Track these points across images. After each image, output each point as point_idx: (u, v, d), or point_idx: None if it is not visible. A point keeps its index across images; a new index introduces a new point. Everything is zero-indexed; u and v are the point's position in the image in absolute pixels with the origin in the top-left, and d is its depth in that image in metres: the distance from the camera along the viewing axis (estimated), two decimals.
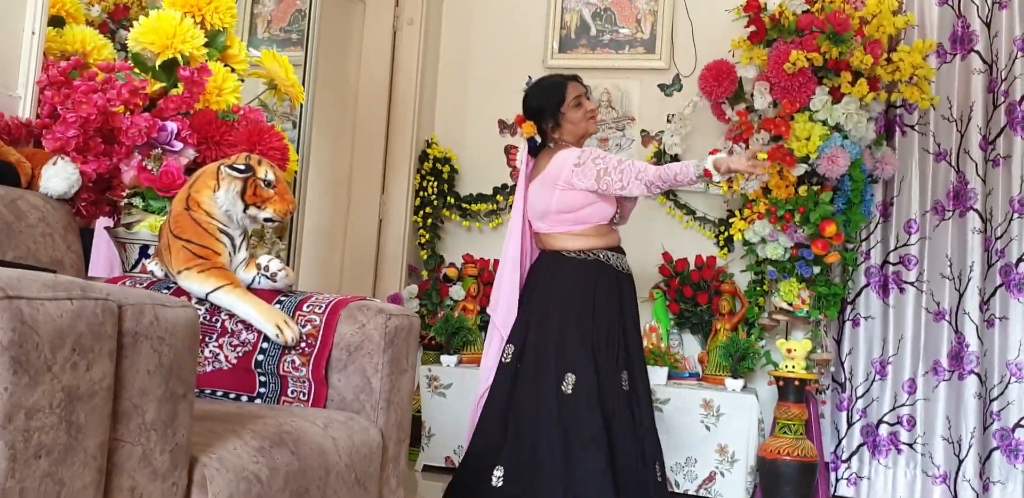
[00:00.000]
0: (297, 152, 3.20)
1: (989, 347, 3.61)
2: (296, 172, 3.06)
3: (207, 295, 1.81)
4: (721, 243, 3.94)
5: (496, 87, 4.28)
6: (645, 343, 3.33)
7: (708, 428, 3.43)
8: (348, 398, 1.74)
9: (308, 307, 1.80)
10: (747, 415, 3.42)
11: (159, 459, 1.12)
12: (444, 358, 3.79)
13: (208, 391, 1.80)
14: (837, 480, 3.67)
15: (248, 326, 1.79)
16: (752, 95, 3.55)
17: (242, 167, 1.88)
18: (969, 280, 3.62)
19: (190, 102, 2.27)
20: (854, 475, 3.66)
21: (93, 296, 1.04)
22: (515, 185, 4.21)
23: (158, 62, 2.36)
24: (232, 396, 1.79)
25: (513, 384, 2.78)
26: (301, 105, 3.31)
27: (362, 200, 4.15)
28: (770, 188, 3.48)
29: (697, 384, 3.62)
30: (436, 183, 4.17)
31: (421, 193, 4.18)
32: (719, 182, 2.96)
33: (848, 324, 3.75)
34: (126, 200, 2.30)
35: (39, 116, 2.17)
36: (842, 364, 3.74)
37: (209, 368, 1.80)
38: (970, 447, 3.51)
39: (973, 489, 3.47)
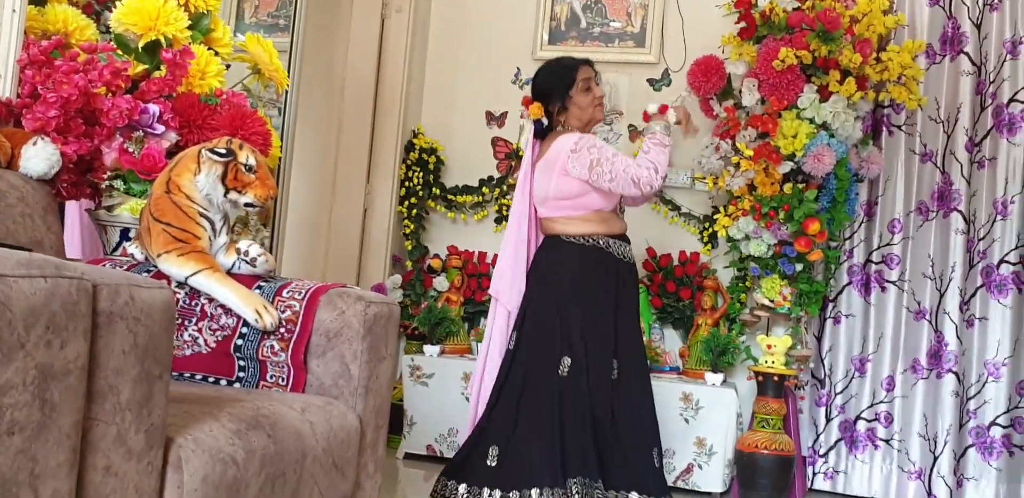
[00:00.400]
0: (281, 139, 3.18)
1: (968, 346, 3.63)
2: (279, 158, 3.04)
3: (186, 279, 1.80)
4: (705, 239, 3.95)
5: (484, 78, 4.27)
6: None
7: (687, 421, 3.44)
8: (327, 384, 1.73)
9: (288, 293, 1.79)
10: (726, 409, 3.43)
11: (134, 439, 1.11)
12: (427, 348, 3.79)
13: (187, 375, 1.79)
14: (814, 474, 3.69)
15: (228, 310, 1.77)
16: (740, 91, 3.55)
17: (223, 151, 1.86)
18: (950, 280, 3.64)
19: (172, 85, 2.25)
20: (831, 469, 3.69)
21: (68, 275, 1.03)
22: (501, 177, 4.22)
23: (141, 44, 2.34)
24: (211, 380, 1.78)
25: (510, 368, 2.81)
26: (286, 92, 3.30)
27: (347, 190, 4.13)
28: (755, 185, 3.48)
29: (677, 378, 3.63)
30: (422, 174, 4.16)
31: (406, 183, 4.16)
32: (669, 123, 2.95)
33: (829, 321, 3.77)
34: (107, 182, 2.28)
35: (19, 96, 2.14)
36: (822, 361, 3.76)
37: (188, 352, 1.79)
38: (945, 444, 3.54)
39: (947, 485, 3.50)
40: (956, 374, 3.59)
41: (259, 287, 1.82)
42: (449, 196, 4.19)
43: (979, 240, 3.67)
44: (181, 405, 1.37)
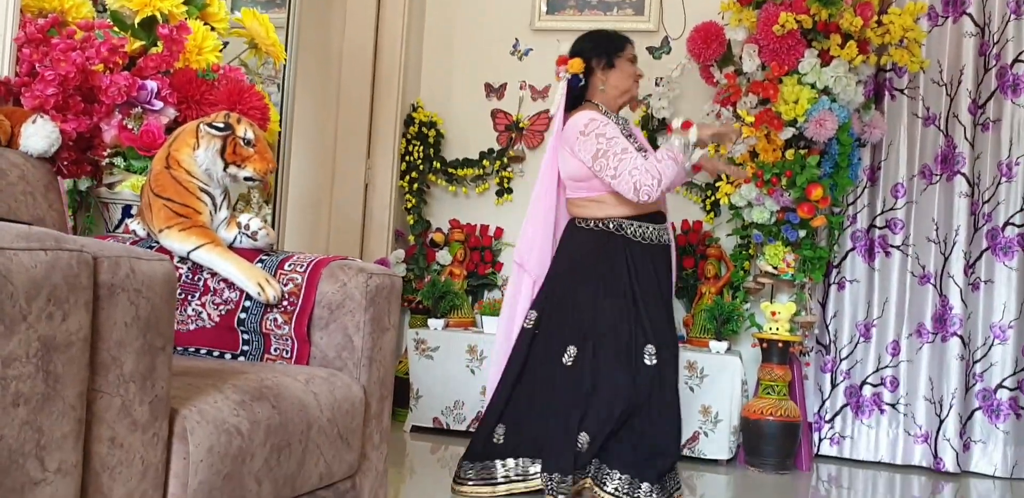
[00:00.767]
0: (280, 114, 3.17)
1: (973, 310, 3.63)
2: (279, 133, 3.03)
3: (188, 253, 1.80)
4: (708, 207, 3.94)
5: (483, 50, 4.24)
6: None
7: (692, 389, 3.45)
8: (330, 356, 1.74)
9: (289, 266, 1.80)
10: (730, 377, 3.45)
11: (139, 410, 1.12)
12: (431, 322, 3.80)
13: (192, 349, 1.80)
14: (820, 440, 3.71)
15: (230, 284, 1.78)
16: (741, 58, 3.52)
17: (221, 125, 1.86)
18: (954, 244, 3.63)
19: (170, 61, 2.24)
20: (837, 435, 3.71)
21: (68, 247, 1.03)
22: (502, 149, 4.20)
23: (137, 20, 2.33)
24: (215, 354, 1.79)
25: (529, 349, 2.76)
26: (283, 67, 3.28)
27: (347, 165, 4.13)
28: (757, 152, 3.47)
29: (682, 346, 3.63)
30: (422, 148, 4.15)
31: (407, 158, 4.15)
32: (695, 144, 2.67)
33: (833, 287, 3.77)
34: (107, 160, 2.28)
35: (18, 74, 2.14)
36: (827, 327, 3.76)
37: (192, 326, 1.80)
38: (951, 407, 3.55)
39: (953, 448, 3.52)
40: (961, 338, 3.59)
41: (261, 261, 1.83)
42: (450, 169, 4.18)
43: (984, 203, 3.66)
44: (185, 378, 1.38)
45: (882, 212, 3.75)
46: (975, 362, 3.62)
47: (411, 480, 3.08)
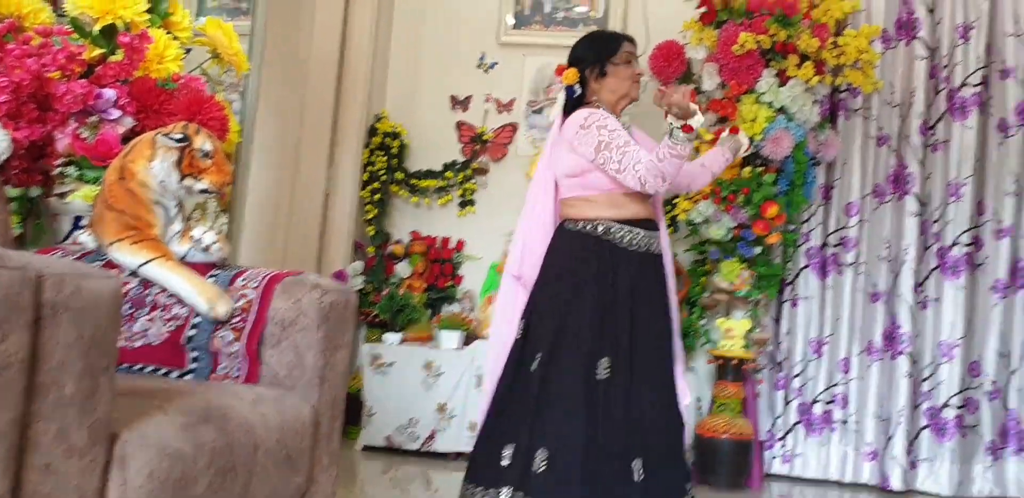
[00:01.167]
0: (241, 124, 3.15)
1: (922, 328, 3.70)
2: (238, 143, 3.01)
3: (138, 267, 1.78)
4: (667, 222, 3.97)
5: (449, 63, 4.25)
6: None
7: None
8: (281, 374, 1.72)
9: (242, 281, 1.79)
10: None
11: (77, 435, 1.11)
12: (388, 336, 3.78)
13: (137, 367, 1.78)
14: (772, 458, 3.74)
15: (180, 300, 1.76)
16: (701, 76, 3.57)
17: (179, 136, 1.84)
18: (904, 262, 3.70)
19: (129, 69, 2.22)
20: (788, 453, 3.75)
21: (10, 265, 1.02)
22: (466, 161, 4.21)
23: (97, 27, 2.30)
24: (162, 372, 1.77)
25: (519, 359, 2.58)
26: (247, 75, 3.26)
27: (309, 174, 4.10)
28: None
29: None
30: (385, 158, 4.14)
31: (369, 168, 4.14)
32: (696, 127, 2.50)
33: (787, 304, 3.82)
34: (59, 169, 2.25)
35: None
36: (779, 344, 3.81)
37: (139, 343, 1.78)
38: (899, 425, 3.61)
39: (900, 466, 3.57)
40: (910, 356, 3.66)
41: (213, 276, 1.81)
42: (412, 181, 4.18)
43: (933, 222, 3.73)
44: (129, 399, 1.36)
45: (835, 230, 3.81)
46: (923, 380, 3.69)
47: None
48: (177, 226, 1.90)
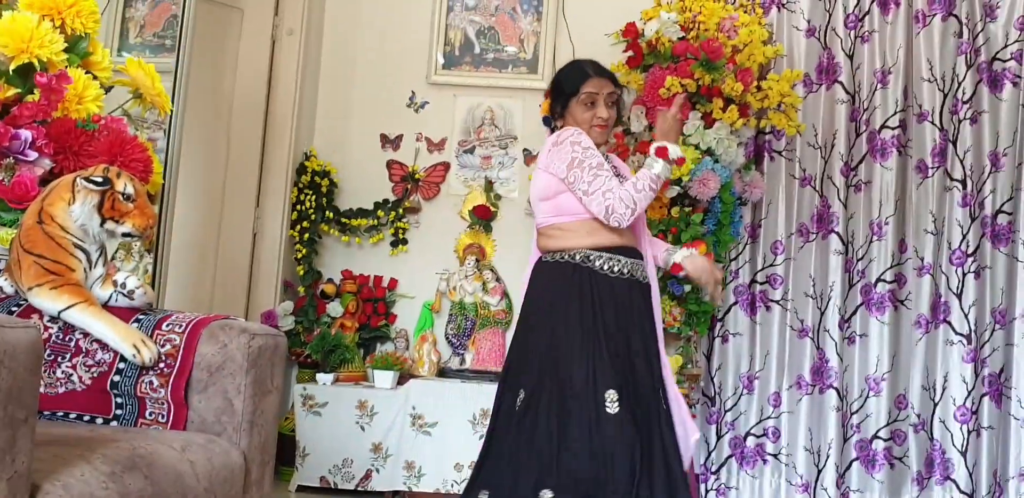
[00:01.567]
0: (165, 163, 3.09)
1: (849, 363, 3.79)
2: (162, 184, 2.94)
3: (60, 313, 1.72)
4: None
5: (379, 101, 4.25)
6: None
7: None
8: (209, 420, 1.67)
9: (167, 326, 1.74)
10: None
11: None
12: (320, 376, 3.71)
13: (60, 414, 1.70)
14: (707, 491, 3.77)
15: (104, 345, 1.71)
16: (629, 118, 3.64)
17: (99, 179, 1.80)
18: (830, 299, 3.80)
19: (47, 110, 2.16)
20: (723, 486, 3.78)
21: None
22: (398, 200, 4.19)
23: (12, 66, 2.24)
24: (87, 418, 1.70)
25: (500, 400, 2.49)
26: (171, 114, 3.21)
27: (235, 213, 4.03)
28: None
29: None
30: (314, 197, 4.10)
31: (298, 207, 4.09)
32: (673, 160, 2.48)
33: (717, 340, 3.87)
34: None
35: None
36: (712, 379, 3.85)
37: (62, 389, 1.71)
38: (828, 457, 3.67)
39: None
40: (837, 390, 3.73)
41: (137, 320, 1.76)
42: (343, 219, 4.14)
43: (857, 260, 3.84)
44: (51, 448, 1.30)
45: (763, 268, 3.89)
46: (852, 413, 3.77)
47: None
48: (99, 270, 1.85)
